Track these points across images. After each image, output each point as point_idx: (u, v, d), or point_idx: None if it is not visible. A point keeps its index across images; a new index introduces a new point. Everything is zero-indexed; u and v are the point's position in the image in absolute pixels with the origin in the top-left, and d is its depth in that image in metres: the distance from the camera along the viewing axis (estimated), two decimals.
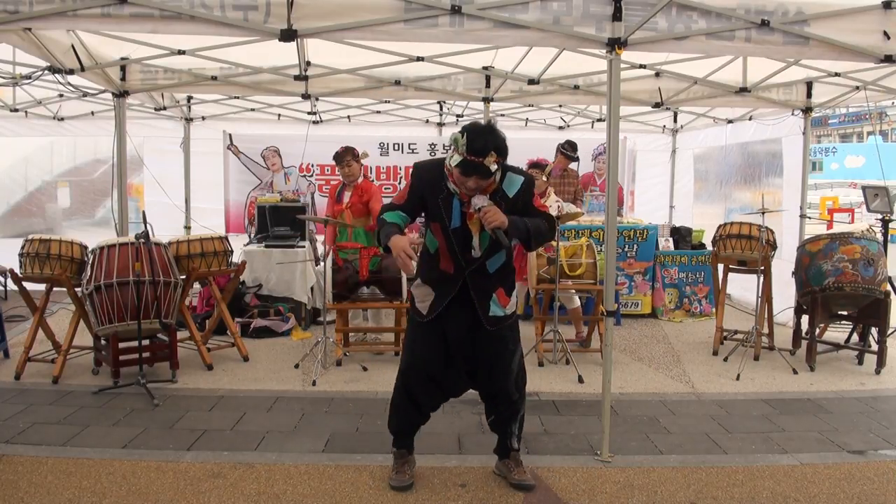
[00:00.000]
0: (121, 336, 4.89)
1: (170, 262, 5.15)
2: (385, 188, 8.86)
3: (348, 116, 8.66)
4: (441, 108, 8.69)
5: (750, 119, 7.90)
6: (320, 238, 7.26)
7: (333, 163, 6.39)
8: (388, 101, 7.90)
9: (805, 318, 5.85)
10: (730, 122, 8.27)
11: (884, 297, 5.48)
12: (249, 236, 7.80)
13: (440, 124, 9.13)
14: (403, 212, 3.22)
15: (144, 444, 3.91)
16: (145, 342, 4.89)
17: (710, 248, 6.79)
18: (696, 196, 9.49)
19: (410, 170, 3.33)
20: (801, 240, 6.25)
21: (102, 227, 8.01)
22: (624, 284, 7.38)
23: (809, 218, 7.14)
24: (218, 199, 8.75)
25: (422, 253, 3.39)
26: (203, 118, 8.61)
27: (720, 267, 6.31)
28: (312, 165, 8.77)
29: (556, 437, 4.10)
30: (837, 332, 6.40)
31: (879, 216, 6.61)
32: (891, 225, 6.55)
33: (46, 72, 5.04)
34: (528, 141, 7.73)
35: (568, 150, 7.63)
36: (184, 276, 5.40)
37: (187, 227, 8.50)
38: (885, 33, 3.91)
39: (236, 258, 6.22)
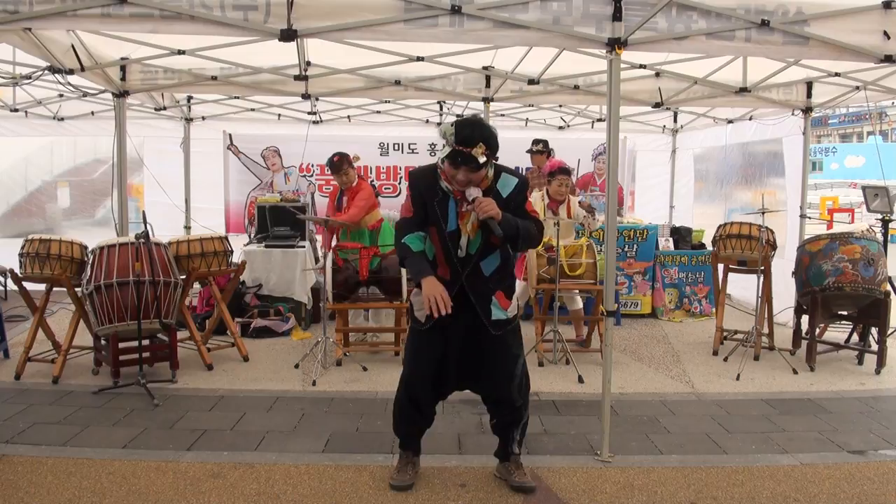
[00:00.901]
0: (121, 336, 4.89)
1: (170, 262, 5.15)
2: (385, 188, 8.87)
3: (348, 116, 8.65)
4: (441, 109, 8.67)
5: (750, 119, 7.90)
6: (320, 238, 7.26)
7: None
8: (388, 101, 7.89)
9: (805, 318, 5.85)
10: (730, 122, 8.26)
11: (884, 297, 5.48)
12: (249, 236, 7.80)
13: (440, 124, 9.09)
14: (417, 224, 3.23)
15: (144, 444, 3.91)
16: (145, 342, 4.89)
17: (710, 248, 6.79)
18: (697, 196, 9.48)
19: (407, 181, 3.33)
20: (801, 240, 6.25)
21: (102, 227, 8.00)
22: (624, 284, 7.38)
23: (809, 218, 7.14)
24: (218, 199, 8.76)
25: None
26: (203, 118, 8.60)
27: (720, 267, 6.31)
28: (312, 165, 8.78)
29: (556, 437, 4.11)
30: (837, 332, 6.40)
31: (879, 216, 6.61)
32: (891, 225, 6.55)
33: (46, 72, 5.03)
34: (528, 141, 7.71)
35: (535, 147, 7.39)
36: (184, 276, 5.40)
37: (187, 227, 8.50)
38: (885, 33, 3.91)
39: (236, 258, 6.22)
